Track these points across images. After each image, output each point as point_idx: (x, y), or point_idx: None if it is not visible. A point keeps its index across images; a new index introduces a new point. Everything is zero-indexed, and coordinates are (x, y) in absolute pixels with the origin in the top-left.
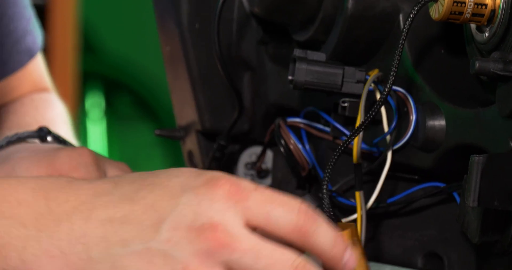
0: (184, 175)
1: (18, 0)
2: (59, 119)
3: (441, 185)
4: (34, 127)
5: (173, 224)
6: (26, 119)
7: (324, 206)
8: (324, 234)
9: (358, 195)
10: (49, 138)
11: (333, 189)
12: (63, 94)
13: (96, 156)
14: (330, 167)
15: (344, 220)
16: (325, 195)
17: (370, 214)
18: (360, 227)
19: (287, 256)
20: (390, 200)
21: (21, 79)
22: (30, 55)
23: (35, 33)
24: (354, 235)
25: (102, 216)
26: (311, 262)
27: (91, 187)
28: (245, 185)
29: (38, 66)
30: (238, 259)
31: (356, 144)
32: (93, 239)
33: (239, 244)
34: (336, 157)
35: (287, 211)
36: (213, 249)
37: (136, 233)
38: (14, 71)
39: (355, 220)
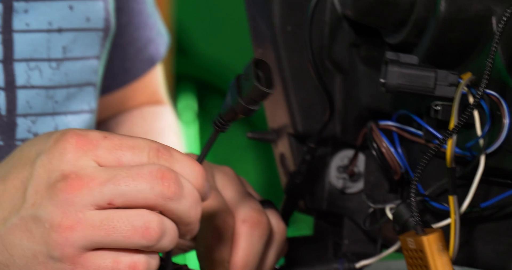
0: (39, 141)
1: (144, 9)
2: (168, 129)
3: None
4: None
5: (34, 188)
6: (134, 129)
7: (412, 210)
8: (181, 164)
9: (452, 199)
10: None
11: (426, 193)
12: None
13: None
14: (420, 170)
15: (436, 225)
16: (412, 198)
17: (463, 219)
18: (454, 231)
19: (148, 168)
20: (483, 205)
21: (138, 89)
22: (152, 64)
23: (159, 41)
24: (440, 241)
25: None
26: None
27: None
28: (93, 135)
29: (156, 76)
30: (100, 194)
31: (450, 147)
32: None
33: (94, 181)
34: (427, 161)
35: (137, 153)
36: (69, 196)
37: (10, 208)
38: (135, 79)
39: (448, 225)
